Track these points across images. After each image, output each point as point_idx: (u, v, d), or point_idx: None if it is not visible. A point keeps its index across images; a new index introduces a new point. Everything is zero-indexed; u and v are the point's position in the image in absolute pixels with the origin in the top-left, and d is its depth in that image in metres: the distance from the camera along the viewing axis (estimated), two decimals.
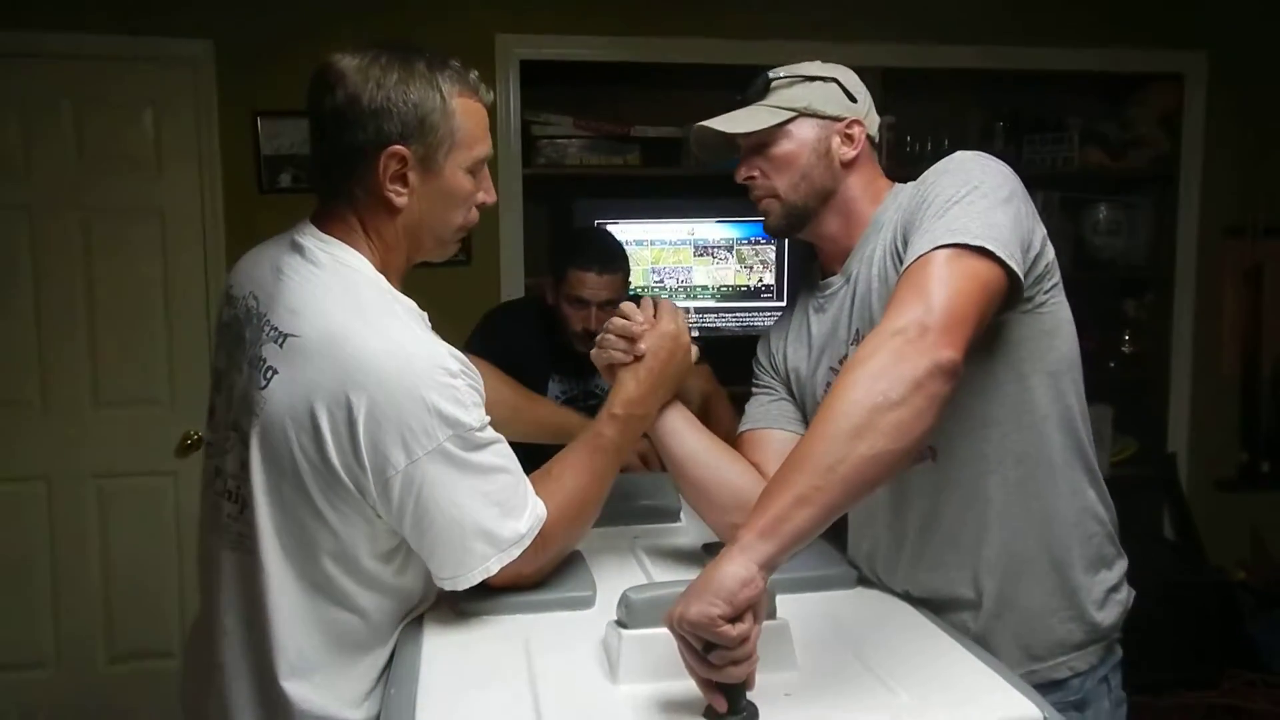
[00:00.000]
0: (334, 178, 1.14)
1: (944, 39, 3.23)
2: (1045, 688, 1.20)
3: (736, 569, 0.90)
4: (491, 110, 1.21)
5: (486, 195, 1.21)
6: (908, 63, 3.20)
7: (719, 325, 3.25)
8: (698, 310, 3.23)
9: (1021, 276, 1.10)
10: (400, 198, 1.13)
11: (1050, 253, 1.21)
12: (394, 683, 1.06)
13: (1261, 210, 3.50)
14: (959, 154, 1.22)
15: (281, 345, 1.08)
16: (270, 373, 1.08)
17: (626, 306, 1.32)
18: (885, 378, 0.96)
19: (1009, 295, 1.11)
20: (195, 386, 2.92)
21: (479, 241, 3.01)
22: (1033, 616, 1.23)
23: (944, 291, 1.03)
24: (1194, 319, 3.51)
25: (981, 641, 1.20)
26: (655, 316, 1.31)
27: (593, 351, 1.32)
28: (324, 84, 1.11)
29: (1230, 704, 3.10)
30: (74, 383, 2.89)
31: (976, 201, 1.11)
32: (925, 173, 1.22)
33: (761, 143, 1.32)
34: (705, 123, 1.34)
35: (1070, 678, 1.25)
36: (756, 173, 1.34)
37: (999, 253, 1.07)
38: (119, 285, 2.89)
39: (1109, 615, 1.27)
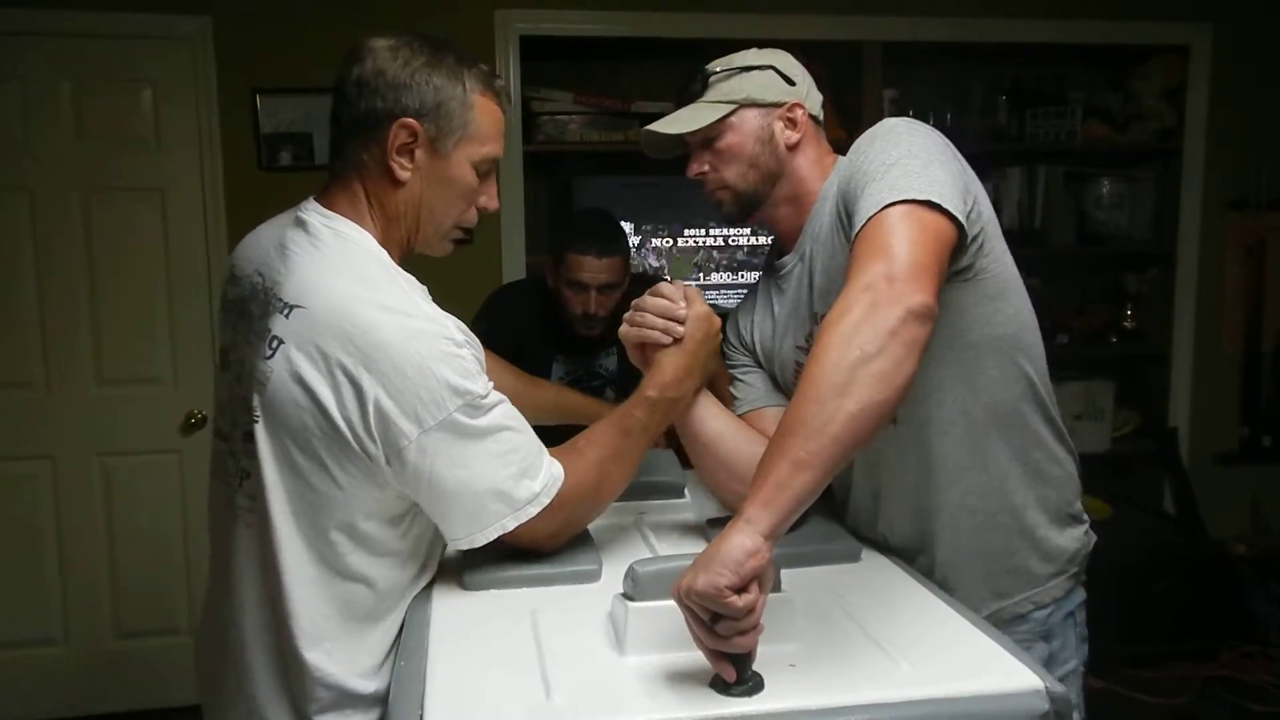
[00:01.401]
0: (347, 144, 1.16)
1: (946, 12, 3.21)
2: (1011, 621, 1.30)
3: (743, 540, 0.91)
4: None
5: (489, 200, 1.24)
6: (910, 36, 3.18)
7: (720, 303, 3.25)
8: (704, 288, 3.24)
9: (966, 227, 1.13)
10: (404, 171, 1.15)
11: (987, 211, 1.23)
12: (403, 655, 1.08)
13: (1265, 184, 3.49)
14: (887, 120, 1.25)
15: (288, 316, 1.09)
16: (276, 342, 1.09)
17: (665, 288, 1.30)
18: (860, 333, 0.97)
19: (956, 247, 1.14)
20: (198, 364, 2.94)
21: (480, 219, 3.01)
22: (996, 559, 1.30)
23: (902, 242, 1.05)
24: (1196, 293, 3.51)
25: (949, 583, 1.28)
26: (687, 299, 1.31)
27: (621, 328, 1.31)
28: (354, 56, 1.16)
29: (1229, 676, 3.13)
30: (77, 362, 2.90)
31: (911, 162, 1.13)
32: (856, 141, 1.24)
33: (707, 138, 1.36)
34: (650, 126, 1.38)
35: (1033, 610, 1.31)
36: (706, 168, 1.37)
37: (944, 204, 1.09)
38: (120, 264, 2.90)
39: (1068, 550, 1.33)
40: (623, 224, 2.35)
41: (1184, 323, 3.52)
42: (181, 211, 2.92)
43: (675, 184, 3.15)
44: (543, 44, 3.07)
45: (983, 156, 3.69)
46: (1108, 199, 3.47)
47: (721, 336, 1.34)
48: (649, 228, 3.18)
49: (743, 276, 3.25)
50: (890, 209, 1.09)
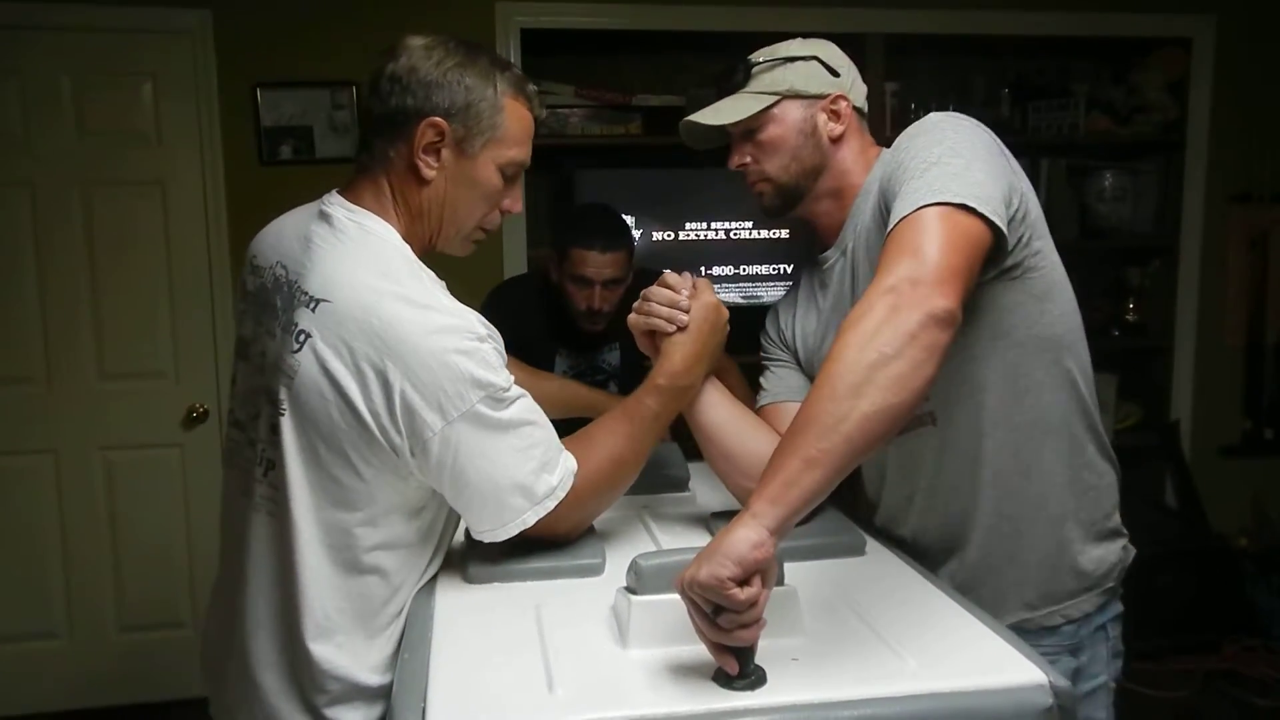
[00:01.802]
0: (376, 140, 1.18)
1: (949, 4, 3.19)
2: (1039, 633, 1.27)
3: (748, 533, 0.91)
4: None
5: (513, 204, 1.25)
6: (912, 28, 3.17)
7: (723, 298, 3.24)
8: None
9: (1005, 230, 1.11)
10: (429, 170, 1.16)
11: (1034, 210, 1.21)
12: (407, 648, 1.08)
13: (1268, 177, 3.48)
14: (932, 115, 1.23)
15: (314, 310, 1.10)
16: (303, 336, 1.10)
17: (671, 277, 1.31)
18: (880, 334, 0.96)
19: (995, 251, 1.12)
20: (200, 359, 2.94)
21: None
22: (1027, 568, 1.28)
23: (933, 246, 1.04)
24: (1199, 287, 3.50)
25: (976, 590, 1.26)
26: (694, 289, 1.31)
27: (630, 317, 1.32)
28: (390, 53, 1.16)
29: (1231, 669, 3.13)
30: (79, 356, 2.90)
31: (953, 161, 1.12)
32: (899, 137, 1.23)
33: (748, 130, 1.34)
34: (691, 117, 1.36)
35: (1063, 624, 1.29)
36: (748, 159, 1.36)
37: (981, 208, 1.08)
38: (122, 258, 2.89)
39: (1102, 566, 1.31)
40: (625, 218, 2.34)
41: (1186, 316, 3.51)
42: (182, 206, 2.91)
43: (677, 178, 3.16)
44: (544, 37, 3.06)
45: None
46: (1110, 192, 3.46)
47: (729, 328, 1.33)
48: (650, 221, 3.18)
49: (743, 269, 3.24)
50: (925, 210, 1.07)
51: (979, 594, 1.25)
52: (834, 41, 1.40)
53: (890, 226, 1.10)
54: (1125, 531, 1.36)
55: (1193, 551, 3.28)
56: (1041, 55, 3.46)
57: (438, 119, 1.14)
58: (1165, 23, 3.36)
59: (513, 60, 3.00)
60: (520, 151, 1.21)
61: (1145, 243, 3.56)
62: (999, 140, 1.20)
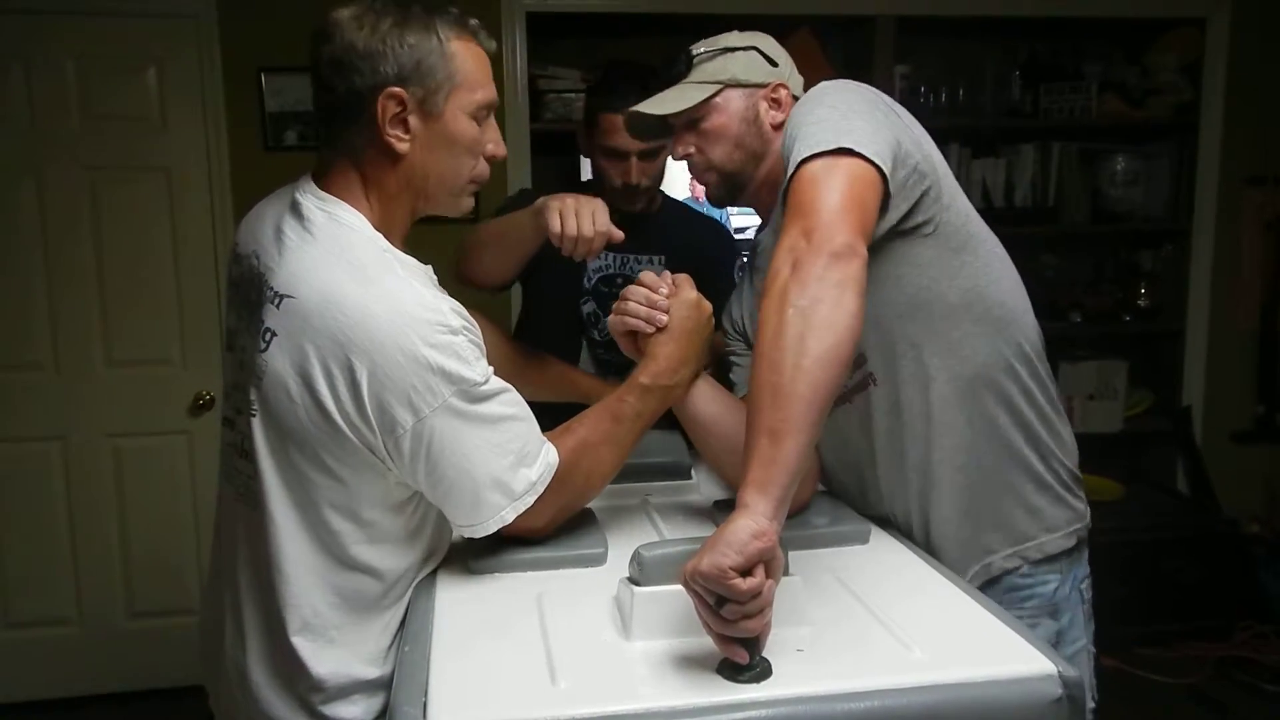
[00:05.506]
0: (335, 128, 1.13)
1: None
2: (1019, 594, 1.30)
3: (747, 522, 0.91)
4: (497, 64, 1.19)
5: (496, 148, 1.20)
6: (923, 10, 3.13)
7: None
8: None
9: (885, 169, 1.13)
10: (402, 143, 1.12)
11: (939, 166, 1.24)
12: (408, 640, 1.07)
13: None
14: (820, 83, 1.26)
15: (279, 307, 1.07)
16: (269, 334, 1.08)
17: (648, 276, 1.29)
18: (790, 290, 1.00)
19: (885, 193, 1.14)
20: (206, 345, 2.93)
21: (486, 198, 2.97)
22: (983, 515, 1.30)
23: (819, 197, 1.07)
24: (1212, 270, 3.47)
25: (943, 542, 1.30)
26: (674, 287, 1.30)
27: (610, 318, 1.30)
28: (322, 35, 1.10)
29: (1242, 656, 3.12)
30: (85, 343, 2.90)
31: (830, 116, 1.15)
32: (792, 110, 1.26)
33: (692, 119, 1.37)
34: (636, 107, 1.39)
35: (1030, 579, 1.30)
36: (692, 149, 1.38)
37: (858, 149, 1.10)
38: (127, 244, 2.89)
39: (1058, 508, 1.33)
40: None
41: (1199, 300, 3.48)
42: (188, 191, 2.90)
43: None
44: (550, 21, 3.04)
45: (996, 133, 3.62)
46: (1122, 175, 3.43)
47: (712, 323, 1.32)
48: None
49: None
50: (807, 164, 1.10)
51: (945, 547, 1.28)
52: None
53: (783, 190, 1.13)
54: (1081, 493, 1.37)
55: (1204, 537, 3.26)
56: (1053, 37, 3.42)
57: (394, 88, 1.08)
58: (1178, 3, 3.31)
59: (518, 44, 2.99)
60: (485, 92, 1.15)
61: (1158, 226, 3.52)
62: (888, 99, 1.24)
